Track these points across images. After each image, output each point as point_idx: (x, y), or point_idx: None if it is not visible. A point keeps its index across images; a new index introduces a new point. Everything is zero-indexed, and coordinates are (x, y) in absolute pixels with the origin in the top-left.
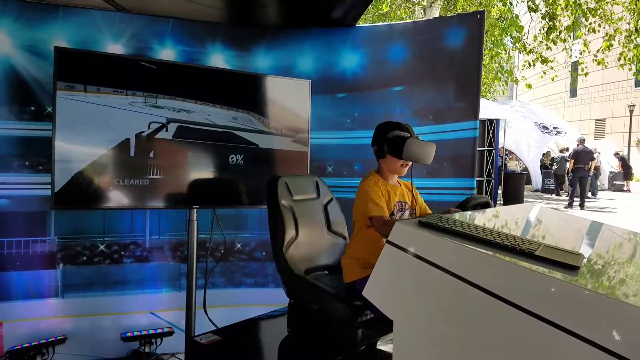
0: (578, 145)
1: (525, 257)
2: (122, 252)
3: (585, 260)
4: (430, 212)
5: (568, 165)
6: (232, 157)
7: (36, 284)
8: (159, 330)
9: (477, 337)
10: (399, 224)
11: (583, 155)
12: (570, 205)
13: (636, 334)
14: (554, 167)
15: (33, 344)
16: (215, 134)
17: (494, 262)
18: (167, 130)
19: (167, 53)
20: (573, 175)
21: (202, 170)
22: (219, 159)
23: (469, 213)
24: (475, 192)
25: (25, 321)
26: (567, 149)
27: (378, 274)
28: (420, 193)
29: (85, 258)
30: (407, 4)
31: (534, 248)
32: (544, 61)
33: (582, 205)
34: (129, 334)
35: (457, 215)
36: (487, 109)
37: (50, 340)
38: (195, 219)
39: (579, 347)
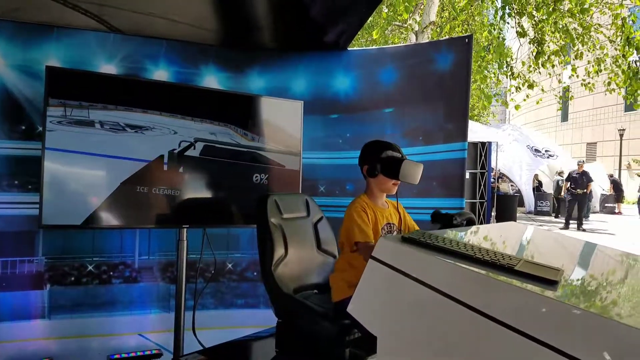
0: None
1: (504, 271)
2: (111, 273)
3: (565, 276)
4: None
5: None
6: (256, 176)
7: (22, 304)
8: (147, 353)
9: (457, 352)
10: (383, 239)
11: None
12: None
13: (615, 348)
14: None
15: None
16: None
17: (473, 277)
18: (195, 148)
19: (161, 74)
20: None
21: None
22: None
23: (453, 229)
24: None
25: (10, 343)
26: (562, 173)
27: (362, 290)
28: (410, 213)
29: (73, 278)
30: (400, 30)
31: (514, 263)
32: (530, 86)
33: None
34: (116, 356)
35: (440, 232)
36: (479, 132)
37: None
38: (185, 238)
39: None
